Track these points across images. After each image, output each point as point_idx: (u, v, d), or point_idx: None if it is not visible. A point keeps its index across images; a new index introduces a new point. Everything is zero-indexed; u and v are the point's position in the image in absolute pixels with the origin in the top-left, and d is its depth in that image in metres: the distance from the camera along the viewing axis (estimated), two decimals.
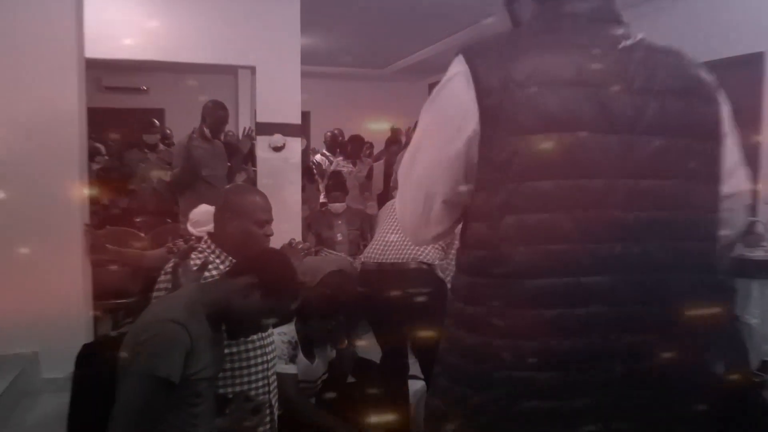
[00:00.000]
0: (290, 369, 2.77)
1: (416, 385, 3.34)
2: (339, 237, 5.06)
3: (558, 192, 1.07)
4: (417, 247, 2.98)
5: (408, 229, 1.28)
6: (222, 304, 1.84)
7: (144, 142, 5.99)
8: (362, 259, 3.25)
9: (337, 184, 5.30)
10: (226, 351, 2.07)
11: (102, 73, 9.01)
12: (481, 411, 1.11)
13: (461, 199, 1.16)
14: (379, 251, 3.13)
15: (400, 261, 3.02)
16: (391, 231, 3.19)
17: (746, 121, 4.33)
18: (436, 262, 3.02)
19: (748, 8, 4.47)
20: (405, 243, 3.06)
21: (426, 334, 2.87)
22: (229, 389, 2.12)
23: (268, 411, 2.10)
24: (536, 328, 1.07)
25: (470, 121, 1.10)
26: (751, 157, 3.91)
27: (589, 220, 1.07)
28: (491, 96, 1.09)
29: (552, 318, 1.07)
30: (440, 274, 3.03)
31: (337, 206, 5.13)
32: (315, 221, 5.21)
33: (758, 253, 3.72)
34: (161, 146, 6.10)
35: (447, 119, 1.15)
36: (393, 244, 3.10)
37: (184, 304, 1.77)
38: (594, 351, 1.08)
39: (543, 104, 1.08)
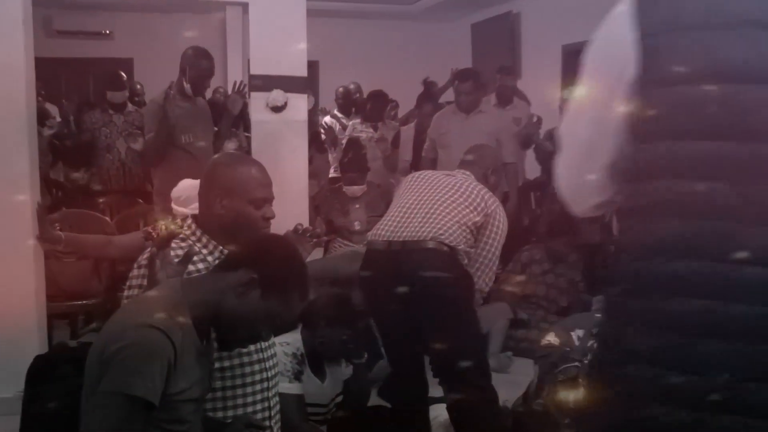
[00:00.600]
0: (295, 388, 2.80)
1: (436, 411, 3.36)
2: (357, 225, 5.06)
3: (720, 155, 1.12)
4: (439, 226, 3.02)
5: (566, 194, 1.42)
6: (212, 305, 1.86)
7: (108, 101, 6.04)
8: (368, 237, 3.27)
9: (354, 160, 5.28)
10: (217, 365, 2.10)
11: (54, 13, 9.09)
12: None
13: (626, 163, 1.24)
14: (390, 227, 3.14)
15: (414, 239, 3.03)
16: (408, 205, 3.21)
17: None
18: (461, 246, 3.03)
19: None
20: (425, 218, 3.08)
21: (444, 335, 2.90)
22: (220, 413, 2.15)
23: None
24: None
25: (632, 68, 1.18)
26: None
27: (756, 193, 1.11)
28: (655, 38, 1.18)
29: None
30: (464, 261, 3.06)
31: (355, 189, 5.14)
32: (325, 203, 5.22)
33: None
34: (130, 106, 6.14)
35: (607, 66, 1.26)
36: (408, 219, 3.12)
37: (164, 305, 1.79)
38: None
39: (715, 50, 1.14)
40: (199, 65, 4.53)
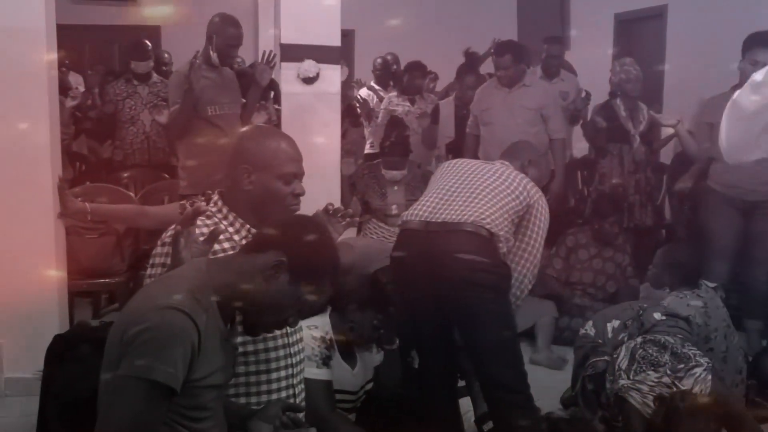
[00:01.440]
0: (323, 374, 2.81)
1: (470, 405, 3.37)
2: (394, 209, 5.03)
3: None
4: (481, 210, 3.02)
5: (733, 143, 1.95)
6: (238, 288, 1.86)
7: (132, 71, 6.09)
8: (403, 218, 3.26)
9: (397, 143, 5.23)
10: (240, 350, 2.11)
11: None
12: None
13: None
14: (429, 208, 3.14)
15: (454, 221, 3.03)
16: (448, 187, 3.20)
17: None
18: (502, 233, 3.03)
19: None
20: (466, 201, 3.08)
21: (475, 324, 2.92)
22: (243, 399, 2.17)
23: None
24: None
25: None
26: None
27: None
28: None
29: None
30: (503, 249, 3.05)
31: (395, 174, 5.12)
32: (361, 182, 5.20)
33: None
34: (155, 77, 6.19)
35: None
36: (448, 201, 3.12)
37: (189, 287, 1.80)
38: None
39: None
40: (226, 33, 4.54)
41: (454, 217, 3.04)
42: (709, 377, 3.05)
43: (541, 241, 3.24)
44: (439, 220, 3.06)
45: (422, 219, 3.11)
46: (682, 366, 3.07)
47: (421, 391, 3.21)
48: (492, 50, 5.61)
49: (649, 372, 3.08)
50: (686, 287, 3.73)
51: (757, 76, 2.01)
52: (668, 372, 3.05)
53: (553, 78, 6.29)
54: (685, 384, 3.02)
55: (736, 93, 2.03)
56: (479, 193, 3.11)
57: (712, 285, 3.98)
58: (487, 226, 3.00)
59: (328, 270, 1.97)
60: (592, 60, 7.22)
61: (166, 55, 7.52)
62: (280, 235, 1.93)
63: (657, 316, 3.48)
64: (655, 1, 7.43)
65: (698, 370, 3.05)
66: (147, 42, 6.32)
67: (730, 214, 4.63)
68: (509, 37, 6.75)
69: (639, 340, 3.26)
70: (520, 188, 3.19)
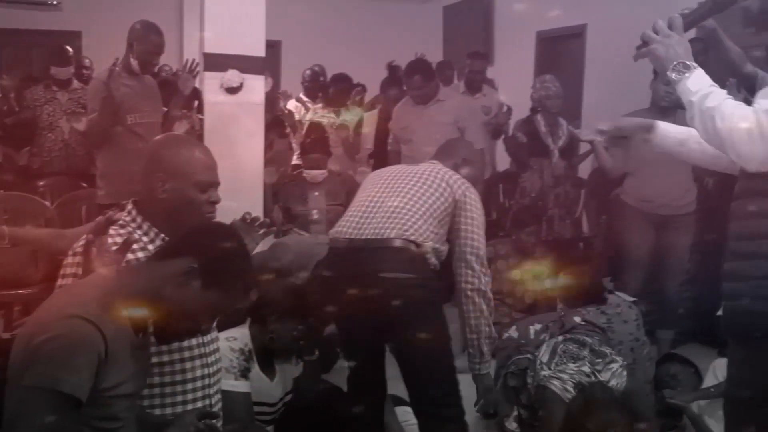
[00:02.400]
0: (241, 386, 2.80)
1: (407, 416, 3.37)
2: (315, 214, 5.06)
3: None
4: (404, 221, 2.91)
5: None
6: (148, 296, 1.84)
7: (52, 77, 5.95)
8: (330, 235, 3.15)
9: (316, 142, 5.27)
10: (155, 360, 2.09)
11: None
12: None
13: None
14: (352, 224, 3.01)
15: (378, 236, 2.91)
16: (371, 198, 3.09)
17: None
18: (428, 243, 2.91)
19: None
20: (388, 213, 2.96)
21: (410, 339, 2.90)
22: (158, 410, 2.14)
23: None
24: None
25: None
26: None
27: None
28: None
29: None
30: (432, 261, 2.96)
31: (316, 174, 5.12)
32: (284, 190, 5.21)
33: None
34: (75, 83, 6.06)
35: None
36: (371, 214, 2.99)
37: (97, 295, 1.77)
38: None
39: None
40: (147, 40, 4.48)
41: (377, 232, 2.91)
42: (625, 373, 3.17)
43: (477, 233, 3.08)
44: (362, 237, 2.93)
45: (346, 236, 2.98)
46: (600, 360, 3.20)
47: (352, 400, 3.12)
48: (404, 72, 5.64)
49: (569, 363, 3.19)
50: (593, 305, 3.86)
51: None
52: (587, 364, 3.17)
53: (475, 93, 6.38)
54: (603, 377, 3.14)
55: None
56: (403, 202, 2.98)
57: (630, 299, 4.10)
58: (412, 238, 2.87)
59: (240, 277, 1.96)
60: (514, 76, 7.35)
61: (87, 61, 7.38)
62: (192, 242, 1.92)
63: (577, 319, 3.61)
64: (575, 21, 7.62)
65: (615, 366, 3.20)
66: (68, 48, 6.18)
67: (643, 228, 4.74)
68: (435, 51, 6.84)
69: (560, 338, 3.40)
70: (443, 185, 3.06)
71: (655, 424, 3.20)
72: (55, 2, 9.55)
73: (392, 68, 7.35)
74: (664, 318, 4.81)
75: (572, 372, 3.17)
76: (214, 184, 2.28)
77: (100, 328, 1.70)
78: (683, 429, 3.78)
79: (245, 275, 1.98)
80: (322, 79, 7.61)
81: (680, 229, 4.73)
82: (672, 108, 4.63)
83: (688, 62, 2.27)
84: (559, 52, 8.12)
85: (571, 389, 3.11)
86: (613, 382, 3.13)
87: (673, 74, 2.31)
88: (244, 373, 2.86)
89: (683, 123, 4.62)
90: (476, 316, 3.02)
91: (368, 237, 2.92)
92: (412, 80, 5.43)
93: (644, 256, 4.76)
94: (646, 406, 3.31)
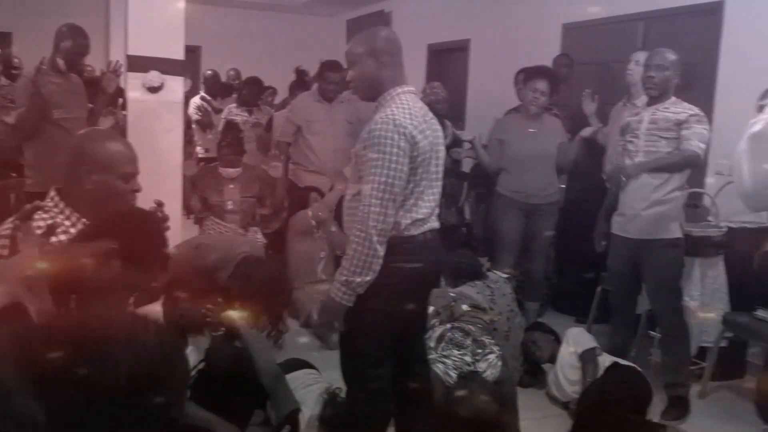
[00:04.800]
0: None
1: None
2: (230, 205, 5.02)
3: None
4: None
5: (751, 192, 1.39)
6: (71, 274, 1.80)
7: None
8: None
9: (232, 143, 5.22)
10: None
11: None
12: None
13: None
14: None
15: None
16: None
17: (699, 77, 4.60)
18: None
19: None
20: None
21: None
22: None
23: None
24: None
25: None
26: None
27: None
28: None
29: None
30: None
31: (231, 171, 5.08)
32: (201, 181, 5.14)
33: (699, 229, 3.98)
34: (3, 80, 5.80)
35: None
36: None
37: (18, 274, 1.73)
38: None
39: None
40: (73, 41, 4.37)
41: None
42: (500, 363, 3.28)
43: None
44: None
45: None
46: (480, 351, 3.29)
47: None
48: (323, 68, 5.63)
49: (453, 350, 3.27)
50: (476, 279, 3.98)
51: None
52: (470, 353, 3.26)
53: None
54: (481, 367, 3.24)
55: (760, 126, 1.48)
56: None
57: (505, 276, 4.24)
58: None
59: (156, 257, 1.94)
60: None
61: (17, 61, 7.07)
62: (111, 224, 1.89)
63: (464, 308, 3.70)
64: (460, 36, 7.76)
65: (491, 357, 3.29)
66: None
67: (515, 215, 4.89)
68: (339, 60, 6.84)
69: (448, 326, 3.46)
70: None
71: (516, 408, 3.34)
72: None
73: (299, 72, 7.34)
74: (531, 292, 4.99)
75: (456, 359, 3.25)
76: (135, 174, 2.26)
77: (25, 305, 1.66)
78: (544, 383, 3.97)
79: (161, 256, 1.96)
80: (236, 81, 7.54)
81: (545, 216, 4.91)
82: (538, 112, 4.80)
83: None
84: (447, 62, 8.26)
85: (453, 375, 3.19)
86: (488, 372, 3.24)
87: (760, 100, 1.88)
88: None
89: (548, 125, 4.86)
90: None
91: None
92: (334, 75, 5.40)
93: (516, 238, 4.92)
94: (513, 392, 3.43)
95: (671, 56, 3.71)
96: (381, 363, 2.65)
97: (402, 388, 2.81)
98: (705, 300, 3.94)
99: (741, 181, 1.38)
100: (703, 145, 3.45)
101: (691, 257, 3.90)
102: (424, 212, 2.59)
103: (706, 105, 4.54)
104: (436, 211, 2.72)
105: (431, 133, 2.60)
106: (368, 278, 2.49)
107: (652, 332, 4.07)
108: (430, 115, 2.68)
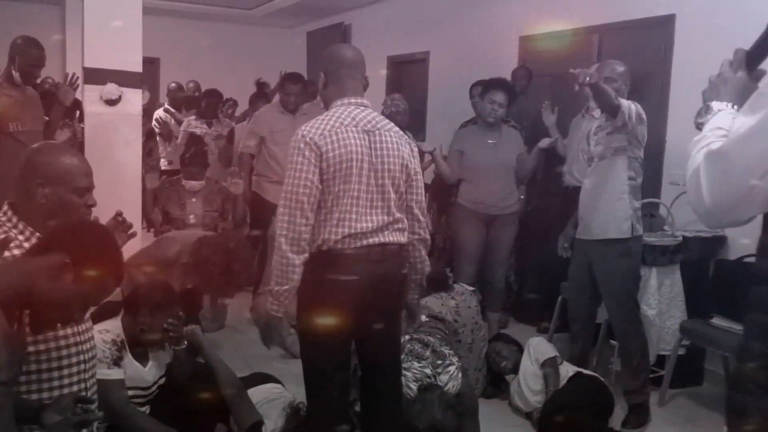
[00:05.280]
0: (114, 374, 2.72)
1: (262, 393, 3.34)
2: (192, 218, 4.96)
3: None
4: None
5: (718, 205, 1.45)
6: (23, 288, 1.75)
7: None
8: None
9: (195, 156, 5.16)
10: (32, 348, 1.99)
11: None
12: None
13: None
14: None
15: None
16: None
17: (653, 88, 4.68)
18: None
19: None
20: None
21: None
22: (35, 395, 2.05)
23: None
24: None
25: None
26: (656, 131, 4.23)
27: None
28: None
29: None
30: None
31: (194, 184, 5.02)
32: (163, 195, 5.07)
33: (657, 239, 4.05)
34: None
35: None
36: None
37: None
38: None
39: None
40: (28, 54, 4.30)
41: None
42: (460, 375, 3.27)
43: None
44: None
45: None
46: (440, 362, 3.26)
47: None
48: (284, 80, 5.60)
49: (414, 362, 3.24)
50: (442, 291, 3.98)
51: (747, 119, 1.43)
52: (430, 366, 3.23)
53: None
54: (442, 380, 3.20)
55: (718, 144, 1.46)
56: None
57: (471, 288, 4.25)
58: None
59: (110, 269, 1.90)
60: (369, 94, 7.43)
61: None
62: (64, 238, 1.85)
63: (423, 317, 3.68)
64: (420, 48, 7.80)
65: (452, 369, 3.26)
66: None
67: (475, 226, 4.92)
68: (299, 71, 6.82)
69: (407, 337, 3.40)
70: None
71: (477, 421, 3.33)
72: None
73: (260, 84, 7.30)
74: (493, 302, 5.01)
75: (416, 371, 3.20)
76: (91, 188, 2.22)
77: None
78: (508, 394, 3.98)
79: (114, 268, 1.92)
80: (196, 93, 7.47)
81: (505, 226, 4.95)
82: (496, 124, 4.84)
83: (713, 104, 1.70)
84: (407, 74, 8.30)
85: (414, 387, 3.14)
86: (450, 385, 3.21)
87: (697, 118, 1.75)
88: (117, 362, 2.79)
89: (507, 137, 4.91)
90: (421, 261, 2.85)
91: None
92: (294, 86, 5.39)
93: (477, 248, 4.94)
94: (474, 404, 3.41)
95: (619, 68, 3.79)
96: (331, 376, 2.62)
97: (367, 401, 2.80)
98: (662, 308, 3.99)
99: (699, 199, 1.38)
100: (627, 104, 3.49)
101: (648, 266, 3.96)
102: (362, 227, 2.54)
103: (660, 114, 4.65)
104: (399, 225, 2.65)
105: (352, 143, 2.52)
106: (286, 287, 2.51)
107: (612, 341, 4.11)
108: (375, 125, 2.61)
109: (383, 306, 2.63)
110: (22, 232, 2.12)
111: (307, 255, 2.53)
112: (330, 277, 2.52)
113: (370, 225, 2.55)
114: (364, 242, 2.54)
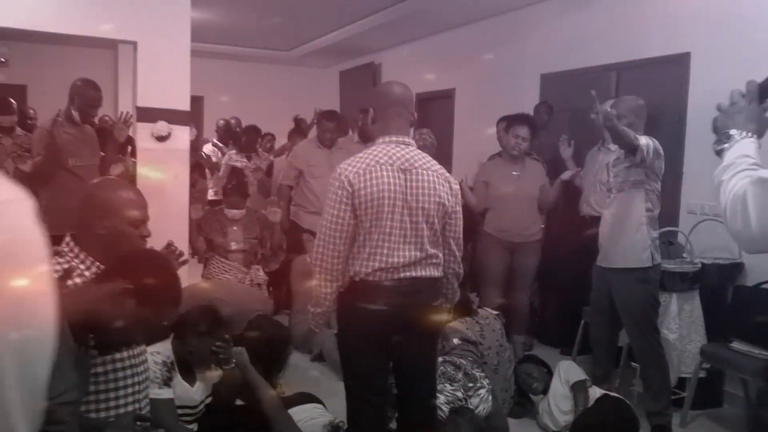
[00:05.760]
0: (165, 394, 2.73)
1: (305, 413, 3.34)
2: (233, 245, 5.00)
3: None
4: None
5: (759, 234, 1.45)
6: (90, 314, 1.79)
7: None
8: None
9: (237, 187, 5.23)
10: (91, 371, 2.02)
11: None
12: None
13: None
14: None
15: None
16: None
17: (670, 124, 4.65)
18: None
19: (672, 7, 4.80)
20: None
21: None
22: (93, 414, 2.07)
23: None
24: None
25: None
26: (673, 162, 4.20)
27: None
28: None
29: None
30: None
31: (235, 213, 5.08)
32: (207, 224, 5.13)
33: (676, 265, 3.99)
34: (19, 130, 5.78)
35: None
36: None
37: None
38: None
39: None
40: (87, 95, 4.39)
41: None
42: (490, 397, 3.23)
43: None
44: None
45: None
46: (471, 385, 3.24)
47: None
48: (320, 117, 5.67)
49: (446, 384, 3.21)
50: (467, 316, 3.95)
51: None
52: (462, 389, 3.21)
53: (367, 142, 6.45)
54: (473, 403, 3.18)
55: (765, 173, 1.44)
56: None
57: (495, 313, 4.22)
58: None
59: (168, 295, 1.93)
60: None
61: (32, 111, 7.08)
62: (128, 265, 1.88)
63: (455, 341, 3.66)
64: (446, 85, 7.84)
65: (482, 392, 3.23)
66: (11, 99, 5.91)
67: (500, 252, 4.90)
68: (332, 108, 6.90)
69: (440, 359, 3.37)
70: None
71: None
72: (2, 59, 9.16)
73: (298, 120, 7.39)
74: (517, 325, 4.97)
75: (448, 394, 3.17)
76: (145, 220, 2.26)
77: None
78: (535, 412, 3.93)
79: (173, 294, 1.95)
80: (238, 129, 7.58)
81: (529, 253, 4.92)
82: (520, 157, 4.83)
83: (732, 132, 1.69)
84: (434, 110, 8.33)
85: (446, 409, 3.10)
86: (480, 408, 3.18)
87: (715, 145, 1.73)
88: (167, 382, 2.80)
89: (530, 169, 4.90)
90: (453, 292, 2.84)
91: None
92: (329, 123, 5.45)
93: (501, 274, 4.92)
94: (505, 425, 3.38)
95: (632, 103, 3.76)
96: (368, 398, 2.61)
97: (402, 422, 2.78)
98: (683, 332, 3.92)
99: (745, 224, 1.36)
100: (645, 141, 3.45)
101: (668, 292, 3.90)
102: (393, 261, 2.52)
103: (677, 148, 4.61)
104: (434, 260, 2.61)
105: (385, 182, 2.51)
106: (320, 310, 2.64)
107: (633, 363, 4.04)
108: (413, 164, 2.57)
109: (416, 334, 2.62)
110: (83, 262, 2.16)
111: (339, 283, 2.57)
112: (361, 305, 2.54)
113: (401, 260, 2.54)
114: (395, 276, 2.54)
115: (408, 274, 2.55)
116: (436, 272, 2.64)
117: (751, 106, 1.70)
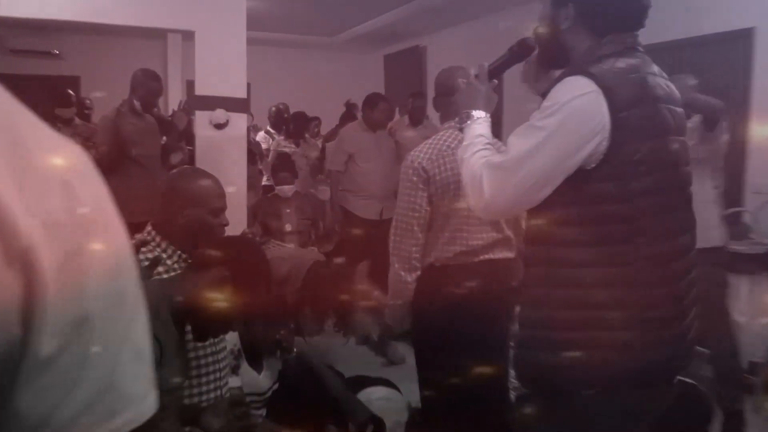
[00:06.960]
0: (233, 381, 2.74)
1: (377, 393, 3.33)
2: (288, 227, 5.02)
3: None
4: None
5: (505, 201, 1.62)
6: (189, 302, 1.79)
7: (57, 116, 5.76)
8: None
9: (284, 163, 5.24)
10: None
11: (6, 33, 8.63)
12: None
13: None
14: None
15: None
16: None
17: (734, 102, 4.49)
18: None
19: None
20: None
21: None
22: (184, 400, 2.08)
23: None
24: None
25: (602, 132, 1.48)
26: (738, 142, 4.05)
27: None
28: (623, 111, 1.50)
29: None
30: None
31: (286, 189, 5.07)
32: (261, 209, 5.15)
33: (746, 247, 3.86)
34: (77, 120, 5.88)
35: (577, 130, 1.51)
36: None
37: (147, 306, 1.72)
38: None
39: (655, 117, 1.56)
40: (148, 85, 4.43)
41: None
42: None
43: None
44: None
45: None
46: None
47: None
48: (368, 99, 5.61)
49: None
50: None
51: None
52: None
53: (417, 125, 6.39)
54: None
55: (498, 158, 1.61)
56: None
57: None
58: None
59: (263, 280, 1.93)
60: None
61: (88, 101, 7.18)
62: (222, 253, 1.88)
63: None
64: None
65: None
66: (71, 91, 6.02)
67: None
68: (378, 92, 6.84)
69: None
70: None
71: None
72: (56, 51, 9.30)
73: (350, 105, 7.35)
74: None
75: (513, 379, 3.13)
76: (224, 209, 2.27)
77: (155, 335, 1.65)
78: None
79: (267, 278, 1.96)
80: (285, 115, 7.58)
81: None
82: None
83: (473, 112, 1.83)
84: None
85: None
86: None
87: (459, 123, 1.89)
88: (235, 370, 2.81)
89: None
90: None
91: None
92: (376, 108, 5.38)
93: None
94: None
95: (690, 81, 3.61)
96: (443, 383, 2.55)
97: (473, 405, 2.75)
98: (754, 315, 3.81)
99: (479, 199, 1.64)
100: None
101: (738, 274, 3.78)
102: (473, 244, 2.53)
103: (742, 126, 4.45)
104: (509, 242, 2.62)
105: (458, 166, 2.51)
106: (401, 302, 2.55)
107: (702, 348, 3.93)
108: None
109: (493, 316, 2.60)
110: (165, 250, 2.17)
111: (419, 272, 2.53)
112: (443, 290, 2.51)
113: (480, 242, 2.53)
114: (475, 259, 2.53)
115: (487, 256, 2.55)
116: (510, 254, 2.63)
117: (485, 88, 1.88)
